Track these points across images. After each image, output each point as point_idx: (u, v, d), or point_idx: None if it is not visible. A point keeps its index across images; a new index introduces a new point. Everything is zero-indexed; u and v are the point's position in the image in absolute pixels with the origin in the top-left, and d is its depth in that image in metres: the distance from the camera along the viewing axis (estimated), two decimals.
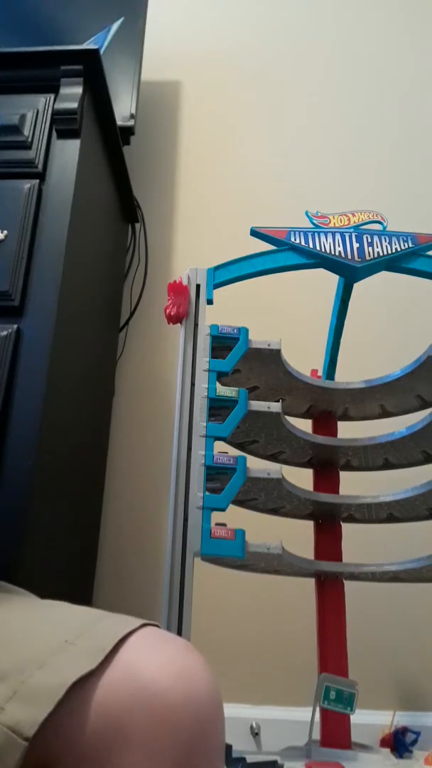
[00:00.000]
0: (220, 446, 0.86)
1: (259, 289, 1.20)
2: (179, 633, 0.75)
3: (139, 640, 0.37)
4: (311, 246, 0.97)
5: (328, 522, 1.01)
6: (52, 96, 1.12)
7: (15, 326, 0.96)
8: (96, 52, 1.14)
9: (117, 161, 1.40)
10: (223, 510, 0.82)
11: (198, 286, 0.95)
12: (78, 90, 1.12)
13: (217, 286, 0.95)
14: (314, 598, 0.98)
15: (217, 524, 0.81)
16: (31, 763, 0.31)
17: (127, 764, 0.32)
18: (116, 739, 0.32)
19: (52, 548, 1.00)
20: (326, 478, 1.04)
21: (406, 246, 0.98)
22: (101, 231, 1.33)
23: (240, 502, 0.96)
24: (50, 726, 0.32)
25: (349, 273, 0.99)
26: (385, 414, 1.07)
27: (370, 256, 0.97)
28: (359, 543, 1.05)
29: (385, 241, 0.98)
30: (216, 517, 0.81)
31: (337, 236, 0.98)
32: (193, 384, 0.88)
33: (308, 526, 1.03)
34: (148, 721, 0.33)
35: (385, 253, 0.97)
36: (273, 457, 1.05)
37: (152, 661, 0.35)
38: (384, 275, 1.01)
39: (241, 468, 0.83)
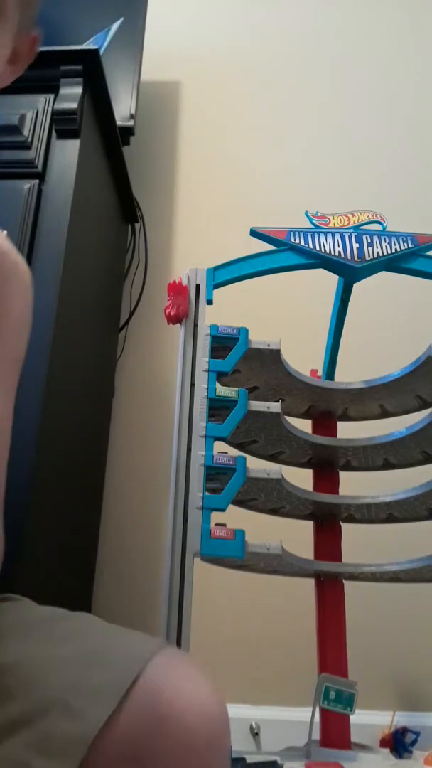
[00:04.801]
0: (219, 446, 0.86)
1: (259, 289, 1.20)
2: (179, 633, 0.75)
3: (154, 669, 0.40)
4: (311, 246, 0.97)
5: (328, 522, 1.01)
6: (52, 96, 1.12)
7: None
8: (96, 52, 1.14)
9: (117, 161, 1.40)
10: (223, 510, 0.82)
11: (198, 287, 0.94)
12: (78, 90, 1.12)
13: (217, 286, 0.95)
14: (314, 598, 0.98)
15: (217, 524, 0.80)
16: None
17: None
18: (138, 763, 0.36)
19: (51, 548, 1.00)
20: (326, 478, 1.04)
21: (406, 246, 0.98)
22: (101, 231, 1.33)
23: (240, 502, 0.96)
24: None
25: (349, 273, 0.99)
26: (384, 414, 1.07)
27: (369, 256, 0.97)
28: (359, 543, 1.05)
29: (385, 241, 0.98)
30: (216, 517, 0.81)
31: (337, 236, 0.98)
32: (192, 384, 0.88)
33: (308, 526, 1.03)
34: (166, 743, 0.37)
35: (385, 253, 0.97)
36: (273, 458, 1.05)
37: (168, 687, 0.39)
38: (384, 275, 1.01)
39: (241, 468, 0.83)
